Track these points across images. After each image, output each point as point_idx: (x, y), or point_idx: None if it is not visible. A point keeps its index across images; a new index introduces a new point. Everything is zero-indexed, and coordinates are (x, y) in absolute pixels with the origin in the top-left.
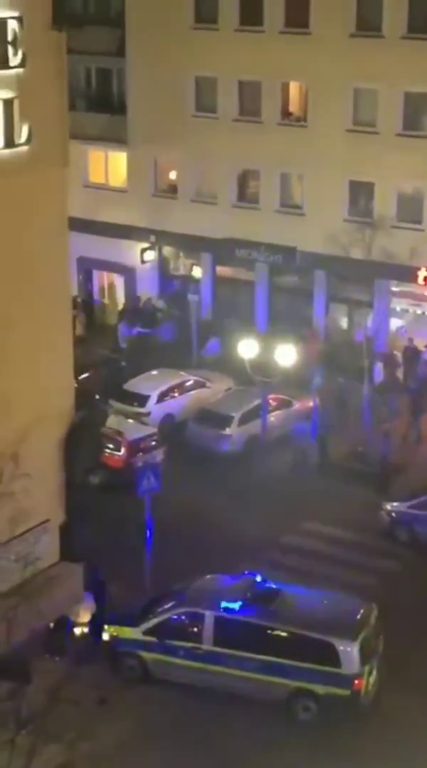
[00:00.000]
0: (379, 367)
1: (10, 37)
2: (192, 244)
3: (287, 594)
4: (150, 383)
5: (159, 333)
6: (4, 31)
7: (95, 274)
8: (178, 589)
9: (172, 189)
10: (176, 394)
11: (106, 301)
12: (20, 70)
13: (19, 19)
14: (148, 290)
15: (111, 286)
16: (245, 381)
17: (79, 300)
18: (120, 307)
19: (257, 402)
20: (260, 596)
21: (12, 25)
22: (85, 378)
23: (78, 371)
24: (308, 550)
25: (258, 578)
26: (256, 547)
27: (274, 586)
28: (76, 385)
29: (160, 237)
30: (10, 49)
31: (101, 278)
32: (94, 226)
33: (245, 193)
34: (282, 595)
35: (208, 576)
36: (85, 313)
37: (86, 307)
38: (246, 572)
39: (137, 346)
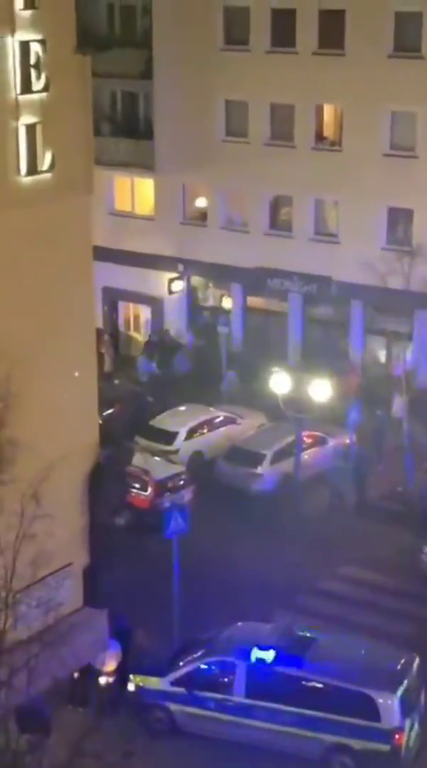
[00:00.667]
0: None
1: (33, 61)
2: (222, 274)
3: (323, 643)
4: (178, 419)
5: (174, 366)
6: (27, 55)
7: (121, 305)
8: (207, 637)
9: (202, 216)
10: (205, 431)
11: (132, 333)
12: (43, 94)
13: (43, 42)
14: (175, 321)
15: (137, 317)
16: (278, 417)
17: (106, 336)
18: (145, 339)
19: (290, 439)
20: (294, 645)
21: (35, 48)
22: (110, 414)
23: (103, 407)
24: (344, 596)
25: (292, 626)
26: (290, 593)
27: (309, 635)
28: (100, 422)
29: (188, 266)
30: (33, 73)
31: (127, 309)
32: (119, 256)
33: (278, 221)
34: (317, 643)
35: (239, 623)
36: (113, 347)
37: (113, 341)
38: (279, 619)
39: (158, 380)
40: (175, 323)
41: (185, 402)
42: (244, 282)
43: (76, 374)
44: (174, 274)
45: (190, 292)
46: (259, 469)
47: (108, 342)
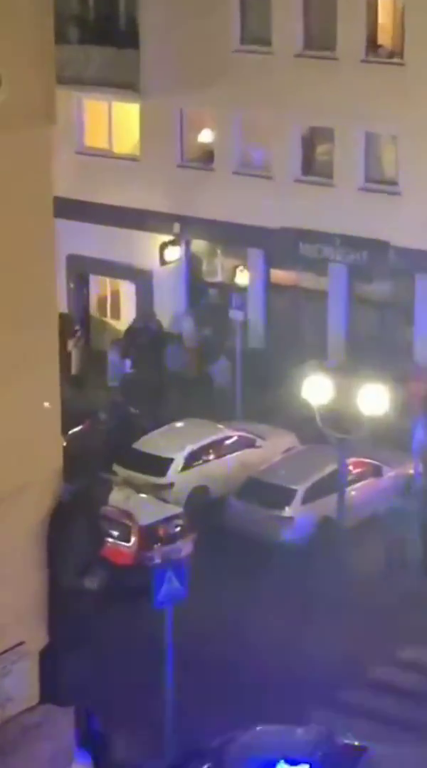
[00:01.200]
0: None
1: None
2: (235, 237)
3: (377, 755)
4: (173, 441)
5: (162, 362)
6: None
7: (93, 280)
8: (214, 747)
9: (206, 156)
10: (212, 457)
11: (108, 319)
12: None
13: None
14: (169, 303)
15: (115, 297)
16: (314, 438)
17: (77, 329)
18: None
19: (330, 469)
20: (336, 757)
21: None
22: (77, 433)
23: (68, 423)
24: (407, 689)
25: (333, 731)
26: (330, 684)
27: (357, 743)
28: (64, 444)
29: (188, 226)
30: None
31: (102, 286)
32: (91, 212)
33: (313, 163)
34: (369, 756)
35: (258, 727)
36: (84, 341)
37: (84, 332)
38: (315, 722)
39: (144, 385)
40: (170, 305)
41: (184, 416)
42: (266, 248)
43: (46, 405)
44: (168, 238)
45: (191, 263)
46: (287, 511)
47: (80, 335)
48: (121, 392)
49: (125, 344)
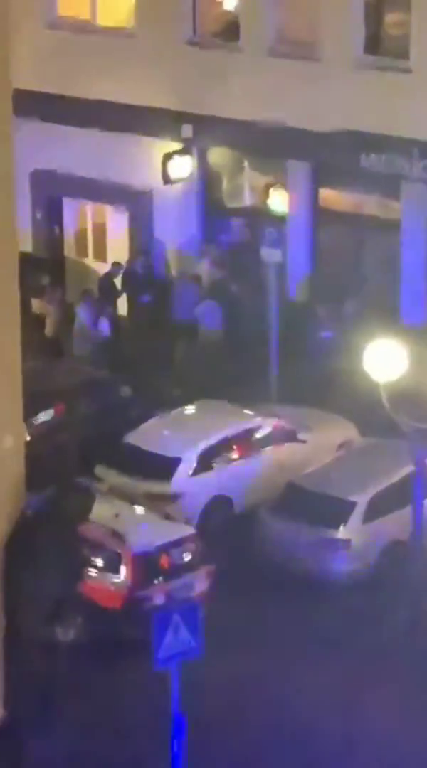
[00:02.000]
0: None
1: None
2: (269, 144)
3: None
4: (182, 433)
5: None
6: None
7: (69, 207)
8: None
9: (228, 30)
10: (236, 456)
11: (90, 261)
12: None
13: None
14: (176, 236)
15: (100, 230)
16: (380, 428)
17: (46, 281)
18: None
19: (403, 473)
20: None
21: None
22: (48, 422)
23: (35, 406)
24: None
25: None
26: None
27: None
28: (28, 437)
29: (202, 129)
30: None
31: (81, 216)
32: (66, 109)
33: (380, 38)
34: None
35: None
36: (60, 295)
37: (59, 281)
38: None
39: (121, 352)
40: (176, 239)
41: (195, 396)
42: (314, 160)
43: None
44: (175, 146)
45: (207, 182)
46: (343, 532)
47: (50, 290)
48: (99, 364)
49: (106, 292)
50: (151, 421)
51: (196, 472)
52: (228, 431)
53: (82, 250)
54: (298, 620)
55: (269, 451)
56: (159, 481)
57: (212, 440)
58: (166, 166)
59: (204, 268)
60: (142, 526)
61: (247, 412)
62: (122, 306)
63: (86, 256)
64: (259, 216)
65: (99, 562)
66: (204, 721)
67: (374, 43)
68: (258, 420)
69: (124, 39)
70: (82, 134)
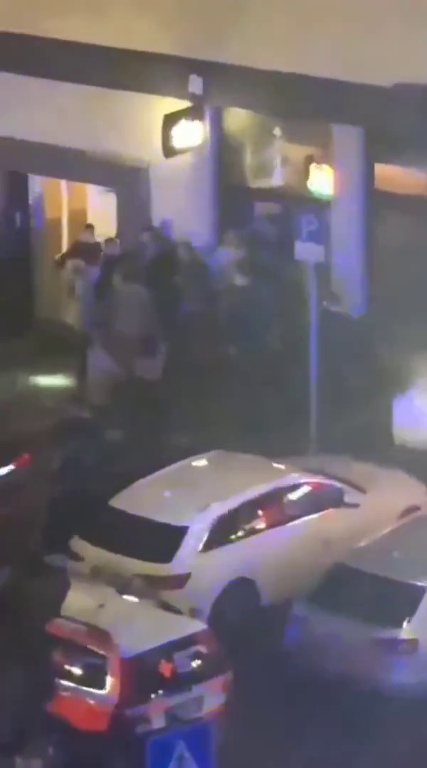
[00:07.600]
0: None
1: None
2: (307, 103)
3: None
4: (186, 493)
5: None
6: None
7: (37, 186)
8: None
9: None
10: (263, 525)
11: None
12: None
13: None
14: (182, 221)
15: (79, 217)
16: None
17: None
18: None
19: None
20: None
21: None
22: (4, 478)
23: None
24: None
25: None
26: None
27: None
28: None
29: (216, 82)
30: None
31: (54, 198)
32: (33, 54)
33: None
34: None
35: None
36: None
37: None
38: None
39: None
40: (181, 231)
41: (207, 444)
42: (369, 125)
43: None
44: (180, 104)
45: (222, 152)
46: (407, 631)
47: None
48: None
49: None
50: (148, 478)
51: (208, 546)
52: (252, 492)
53: (55, 245)
54: (345, 750)
55: (307, 518)
56: (158, 558)
57: (230, 504)
58: (169, 133)
59: (219, 271)
60: (134, 622)
61: (277, 466)
62: None
63: (61, 251)
64: (294, 200)
65: (76, 670)
66: None
67: None
68: (292, 477)
69: None
70: (52, 89)
